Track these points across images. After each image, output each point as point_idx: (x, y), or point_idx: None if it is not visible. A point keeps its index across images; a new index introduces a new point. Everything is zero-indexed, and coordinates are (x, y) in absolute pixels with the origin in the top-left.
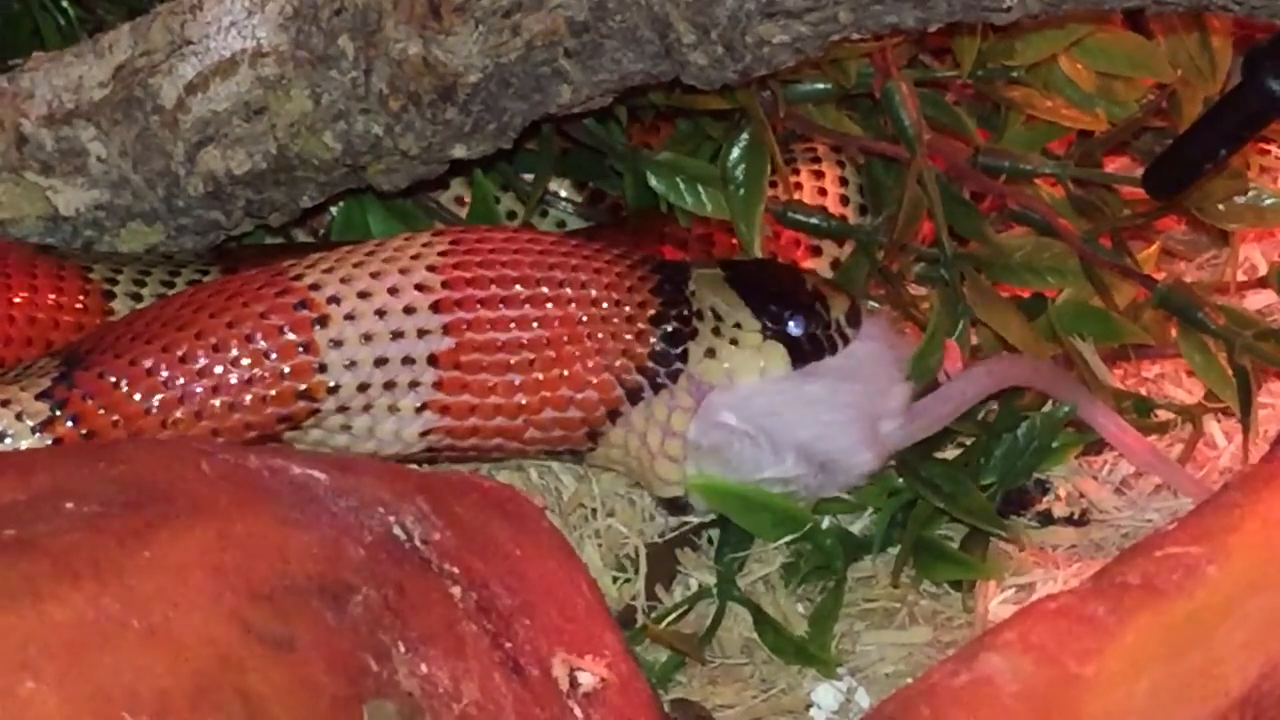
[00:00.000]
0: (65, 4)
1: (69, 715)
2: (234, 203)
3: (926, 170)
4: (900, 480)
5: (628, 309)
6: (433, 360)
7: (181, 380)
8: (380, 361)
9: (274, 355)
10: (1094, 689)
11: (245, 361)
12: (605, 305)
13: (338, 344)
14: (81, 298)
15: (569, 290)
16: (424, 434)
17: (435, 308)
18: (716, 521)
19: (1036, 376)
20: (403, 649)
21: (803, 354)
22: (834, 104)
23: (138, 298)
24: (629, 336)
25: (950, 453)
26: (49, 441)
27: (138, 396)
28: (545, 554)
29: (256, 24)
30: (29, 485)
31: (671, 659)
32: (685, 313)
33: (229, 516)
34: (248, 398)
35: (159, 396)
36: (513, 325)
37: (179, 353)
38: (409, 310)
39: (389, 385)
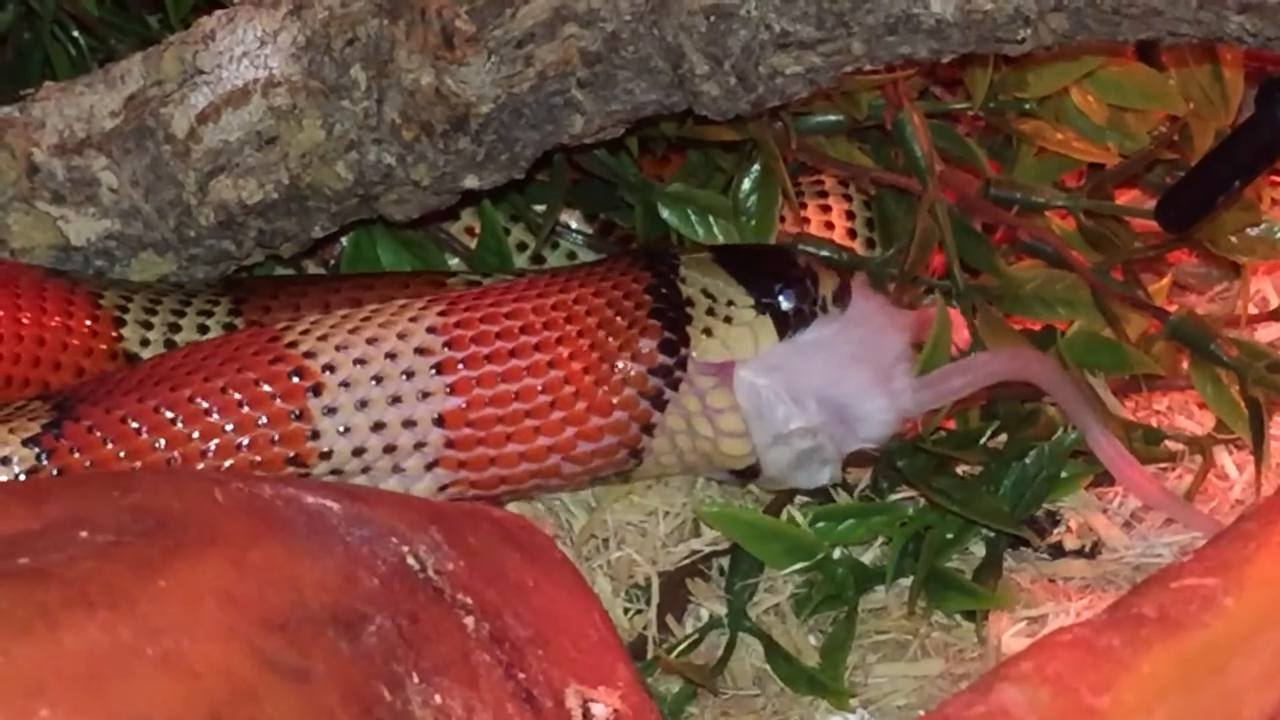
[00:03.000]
0: (76, 33)
1: None
2: (245, 233)
3: (938, 202)
4: (910, 509)
5: (627, 319)
6: (440, 421)
7: (165, 441)
8: (378, 426)
9: (264, 421)
10: None
11: (229, 428)
12: (607, 324)
13: (331, 411)
14: (89, 322)
15: (571, 324)
16: (442, 489)
17: (438, 369)
18: (726, 550)
19: (1055, 384)
20: (416, 679)
21: (793, 328)
22: (845, 136)
23: (148, 325)
24: (636, 345)
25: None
26: None
27: (123, 454)
28: (558, 584)
29: (269, 54)
30: (42, 514)
31: (684, 690)
32: (679, 301)
33: (243, 546)
34: (230, 463)
35: (145, 456)
36: (525, 373)
37: (169, 414)
38: (408, 374)
39: (389, 449)
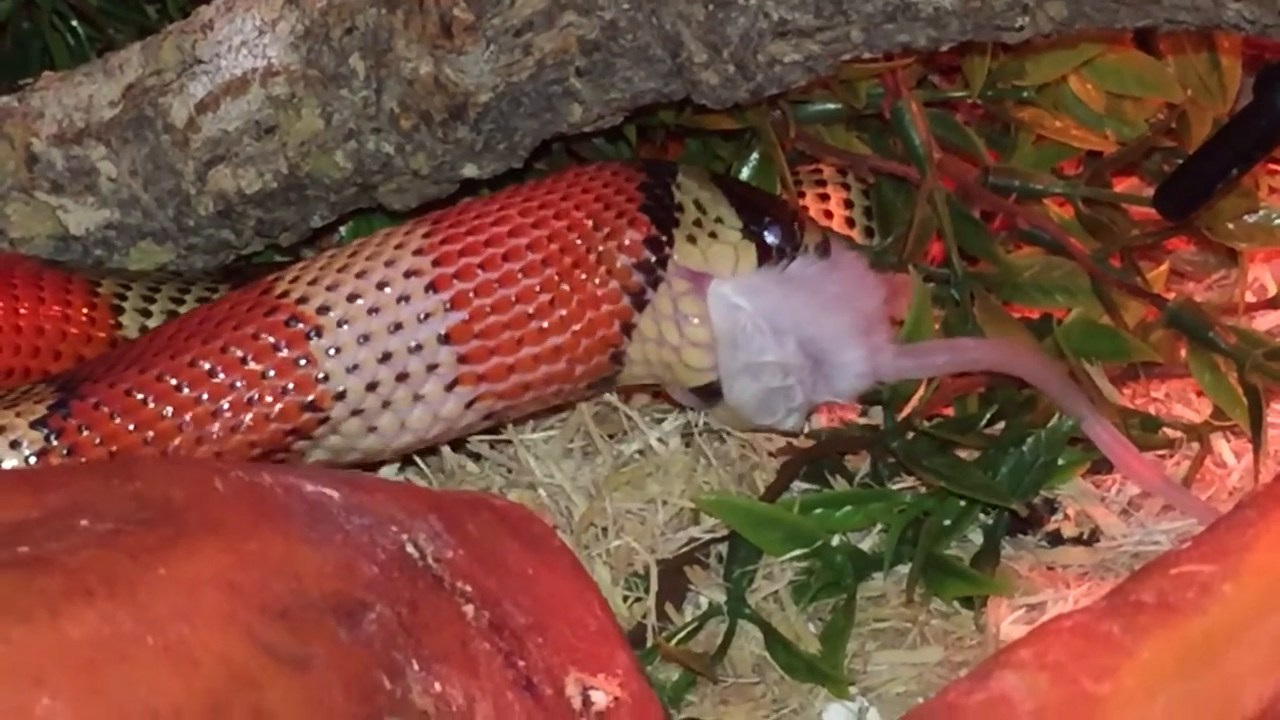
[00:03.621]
0: (75, 23)
1: None
2: (244, 222)
3: (937, 190)
4: (908, 496)
5: (616, 211)
6: (446, 338)
7: (173, 409)
8: (385, 357)
9: (271, 374)
10: (1109, 707)
11: (238, 385)
12: (596, 218)
13: (336, 351)
14: (87, 311)
15: (560, 220)
16: (469, 405)
17: (432, 287)
18: (725, 538)
19: (1043, 378)
20: (416, 667)
21: (773, 264)
22: (844, 124)
23: (146, 314)
24: (623, 236)
25: None
26: None
27: (132, 426)
28: (557, 572)
29: (267, 43)
30: (42, 502)
31: (683, 678)
32: (669, 203)
33: (243, 534)
34: (248, 418)
35: (155, 426)
36: (520, 275)
37: (174, 381)
38: (403, 299)
39: (402, 377)
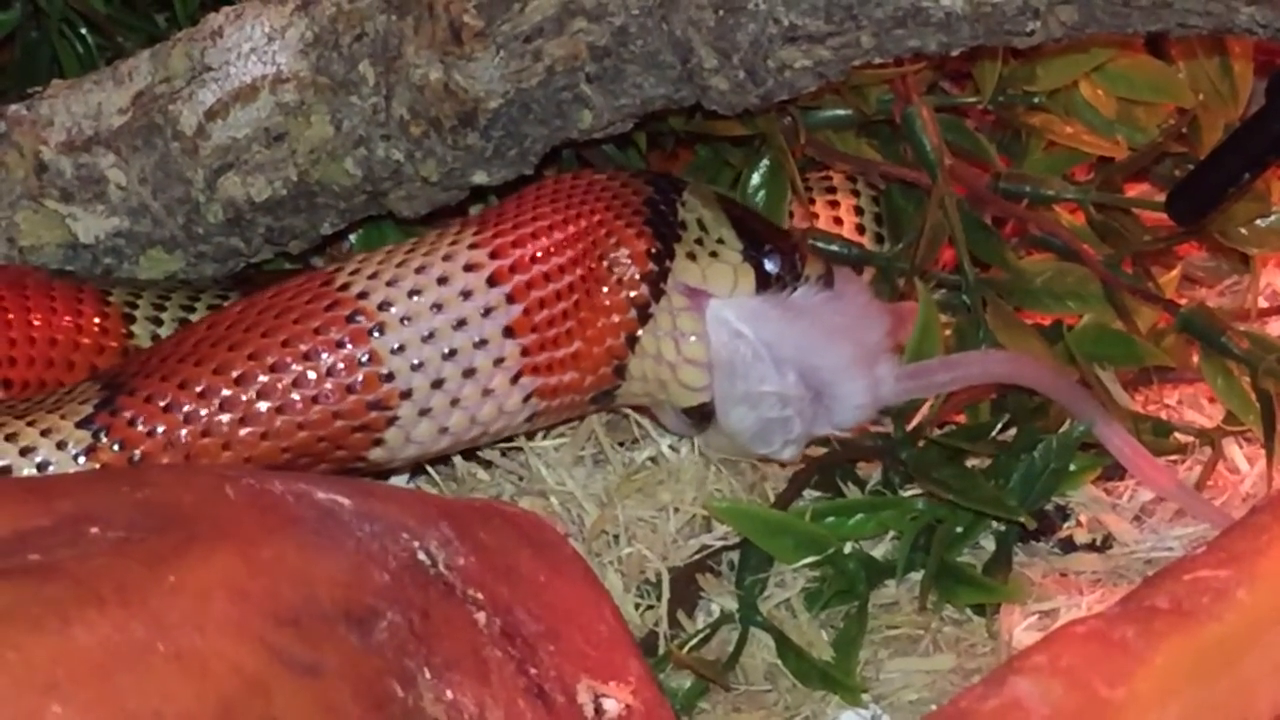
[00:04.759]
0: (84, 31)
1: None
2: (254, 230)
3: (948, 196)
4: (920, 504)
5: (625, 221)
6: (509, 332)
7: (225, 405)
8: (450, 354)
9: (338, 369)
10: (1124, 713)
11: (299, 383)
12: (611, 225)
13: (400, 349)
14: (99, 320)
15: (584, 221)
16: (525, 399)
17: (492, 281)
18: (737, 545)
19: (1055, 387)
20: (428, 675)
21: (772, 291)
22: (854, 130)
23: (158, 322)
24: (631, 248)
25: None
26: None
27: (183, 422)
28: (569, 580)
29: (277, 50)
30: (52, 510)
31: (695, 685)
32: (673, 219)
33: (254, 541)
34: (314, 413)
35: (206, 422)
36: (563, 272)
37: (233, 374)
38: (466, 295)
39: (468, 373)
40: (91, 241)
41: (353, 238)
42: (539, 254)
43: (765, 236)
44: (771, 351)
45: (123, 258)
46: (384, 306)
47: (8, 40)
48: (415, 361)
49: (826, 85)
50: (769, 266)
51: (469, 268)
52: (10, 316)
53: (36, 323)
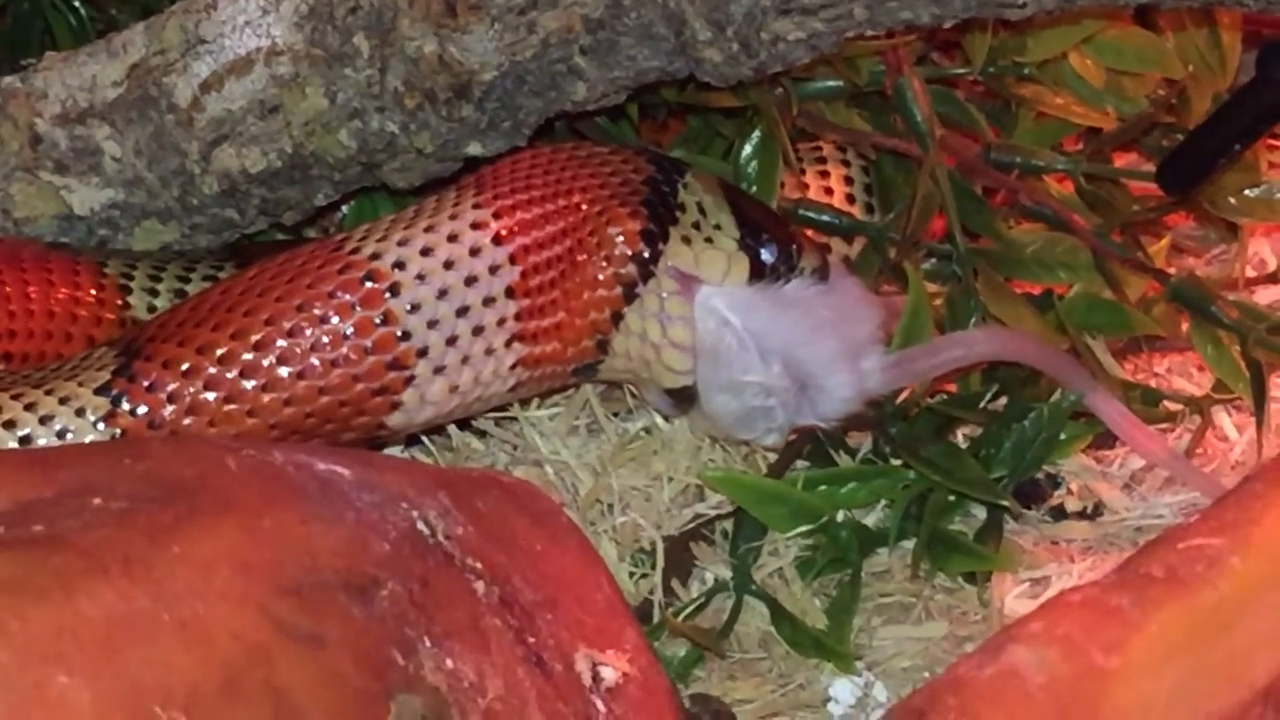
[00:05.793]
0: (77, 3)
1: (101, 709)
2: (249, 201)
3: (939, 166)
4: (911, 473)
5: (620, 200)
6: (510, 292)
7: (245, 370)
8: (462, 311)
9: (351, 332)
10: (1119, 680)
11: (318, 346)
12: (607, 202)
13: (415, 308)
14: (95, 292)
15: (581, 194)
16: (513, 367)
17: (497, 240)
18: (730, 514)
19: (1042, 358)
20: (428, 643)
21: (765, 281)
22: (845, 102)
23: (154, 293)
24: (625, 226)
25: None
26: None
27: (202, 386)
28: (565, 549)
29: (271, 22)
30: (55, 481)
31: (690, 653)
32: (672, 200)
33: (256, 512)
34: (335, 377)
35: (227, 388)
36: (554, 241)
37: (253, 338)
38: (475, 251)
39: (477, 330)
40: (86, 213)
41: (345, 209)
42: (535, 219)
43: (763, 226)
44: (758, 342)
45: (118, 229)
46: (397, 266)
47: (0, 12)
48: (430, 318)
49: (819, 57)
50: (764, 256)
51: (475, 225)
52: (8, 290)
53: (34, 295)
